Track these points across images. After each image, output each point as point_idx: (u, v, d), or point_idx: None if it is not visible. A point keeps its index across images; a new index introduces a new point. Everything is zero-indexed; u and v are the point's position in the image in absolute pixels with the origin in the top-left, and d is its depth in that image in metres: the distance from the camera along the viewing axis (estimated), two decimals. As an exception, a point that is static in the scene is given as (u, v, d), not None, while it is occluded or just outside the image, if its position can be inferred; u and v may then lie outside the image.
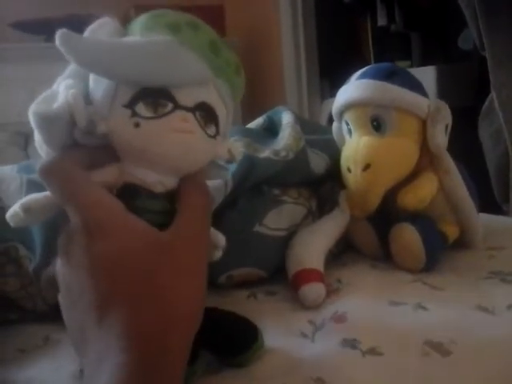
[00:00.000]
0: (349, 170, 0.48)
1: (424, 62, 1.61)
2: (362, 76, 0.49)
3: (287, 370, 0.33)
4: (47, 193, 0.29)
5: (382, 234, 0.50)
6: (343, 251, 0.53)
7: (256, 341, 0.34)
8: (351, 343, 0.35)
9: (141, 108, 0.27)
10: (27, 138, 1.66)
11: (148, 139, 0.28)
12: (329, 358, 0.34)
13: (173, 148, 0.28)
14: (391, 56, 1.67)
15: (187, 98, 0.28)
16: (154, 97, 0.28)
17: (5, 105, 1.70)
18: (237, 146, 0.32)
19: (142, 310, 0.26)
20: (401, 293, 0.42)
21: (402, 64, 1.55)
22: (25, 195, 0.49)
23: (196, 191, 0.30)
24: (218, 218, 0.47)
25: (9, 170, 0.54)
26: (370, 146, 0.47)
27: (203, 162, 0.31)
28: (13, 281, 0.44)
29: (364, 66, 0.51)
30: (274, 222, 0.49)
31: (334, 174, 0.53)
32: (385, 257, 0.51)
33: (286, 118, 0.57)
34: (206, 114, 0.29)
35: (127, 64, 0.28)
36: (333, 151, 0.54)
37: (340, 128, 0.52)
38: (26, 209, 0.29)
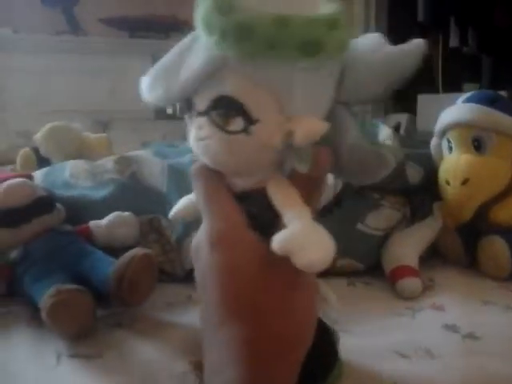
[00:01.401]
0: (447, 183, 0.54)
1: (493, 86, 1.63)
2: (468, 100, 0.55)
3: (400, 340, 0.39)
4: (192, 197, 0.33)
5: (468, 244, 0.56)
6: (430, 256, 0.59)
7: (333, 369, 0.33)
8: (452, 328, 0.41)
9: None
10: (105, 125, 1.79)
11: None
12: (433, 336, 0.40)
13: (203, 156, 0.28)
14: (460, 77, 1.69)
15: (202, 100, 0.27)
16: (188, 107, 0.28)
17: (87, 94, 1.83)
18: (310, 124, 0.26)
19: (253, 327, 0.25)
20: (490, 295, 0.48)
21: (470, 86, 1.57)
22: (167, 178, 0.59)
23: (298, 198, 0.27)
24: (325, 214, 0.54)
25: (145, 154, 0.63)
26: (470, 163, 0.53)
27: (248, 159, 0.27)
28: (155, 247, 0.52)
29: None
30: (374, 222, 0.55)
31: (427, 186, 0.59)
32: (468, 264, 0.56)
33: (385, 132, 0.64)
34: (225, 109, 0.26)
35: None
36: (427, 164, 0.60)
37: (440, 144, 0.58)
38: (178, 217, 0.35)
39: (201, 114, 0.27)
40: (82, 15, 1.85)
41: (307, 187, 0.27)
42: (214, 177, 0.29)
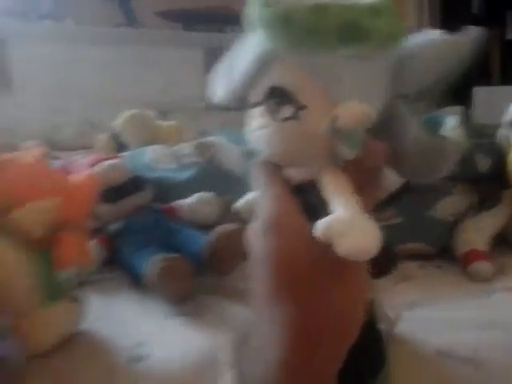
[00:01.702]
0: (517, 172, 0.56)
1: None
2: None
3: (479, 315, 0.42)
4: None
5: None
6: (499, 244, 0.61)
7: (380, 372, 0.32)
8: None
9: None
10: (163, 116, 1.86)
11: None
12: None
13: (259, 146, 0.29)
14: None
15: (257, 92, 0.28)
16: (247, 101, 0.29)
17: (144, 85, 1.90)
18: (352, 108, 0.26)
19: (303, 311, 0.26)
20: None
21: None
22: (243, 163, 0.63)
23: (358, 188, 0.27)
24: (396, 200, 0.56)
25: (222, 140, 0.67)
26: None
27: (299, 146, 0.27)
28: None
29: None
30: (444, 208, 0.57)
31: (496, 175, 0.60)
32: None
33: (451, 121, 0.66)
34: (277, 97, 0.27)
35: None
36: (495, 154, 0.62)
37: (508, 136, 0.60)
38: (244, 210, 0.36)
39: (256, 104, 0.28)
40: (139, 8, 1.91)
41: (359, 177, 0.27)
42: (272, 168, 0.29)
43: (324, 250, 0.25)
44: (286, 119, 0.27)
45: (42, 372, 0.34)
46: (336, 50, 0.25)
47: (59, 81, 1.75)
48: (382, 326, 0.34)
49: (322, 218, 0.26)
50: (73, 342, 0.38)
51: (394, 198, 0.57)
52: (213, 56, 1.94)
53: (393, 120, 0.28)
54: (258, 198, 0.29)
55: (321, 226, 0.24)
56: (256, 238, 0.28)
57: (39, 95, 1.66)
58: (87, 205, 0.38)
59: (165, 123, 0.81)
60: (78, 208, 0.36)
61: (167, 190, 0.62)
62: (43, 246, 0.34)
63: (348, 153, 0.26)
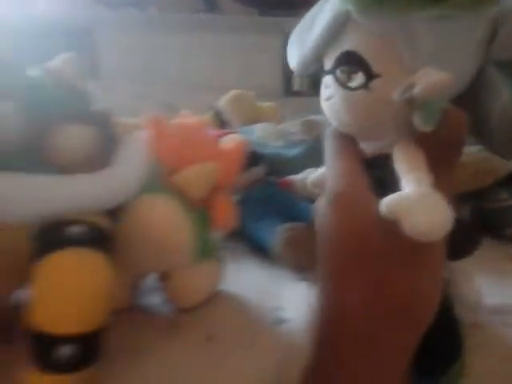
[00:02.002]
0: None
1: None
2: None
3: None
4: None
5: None
6: None
7: (454, 365, 0.29)
8: None
9: None
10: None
11: None
12: None
13: (330, 116, 0.28)
14: None
15: (329, 59, 0.27)
16: (320, 70, 0.28)
17: (221, 70, 1.93)
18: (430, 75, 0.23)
19: (368, 289, 0.24)
20: None
21: None
22: None
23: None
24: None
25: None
26: None
27: (369, 116, 0.26)
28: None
29: None
30: None
31: None
32: None
33: None
34: (347, 65, 0.26)
35: None
36: None
37: None
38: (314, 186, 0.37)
39: (327, 72, 0.27)
40: (219, -6, 1.94)
41: (437, 152, 0.25)
42: (344, 140, 0.28)
43: (393, 228, 0.23)
44: (357, 88, 0.25)
45: (193, 324, 0.37)
46: (418, 11, 0.23)
47: (143, 67, 1.82)
48: (462, 311, 0.31)
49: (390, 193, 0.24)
50: (218, 299, 0.40)
51: (509, 180, 0.55)
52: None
53: (481, 88, 0.26)
54: (326, 171, 0.28)
55: (387, 202, 0.23)
56: (322, 212, 0.27)
57: (125, 81, 1.73)
58: (237, 170, 0.40)
59: (264, 104, 0.82)
60: (230, 173, 0.38)
61: (277, 166, 0.63)
62: (200, 207, 0.36)
63: (424, 124, 0.23)
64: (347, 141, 0.28)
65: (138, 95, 1.71)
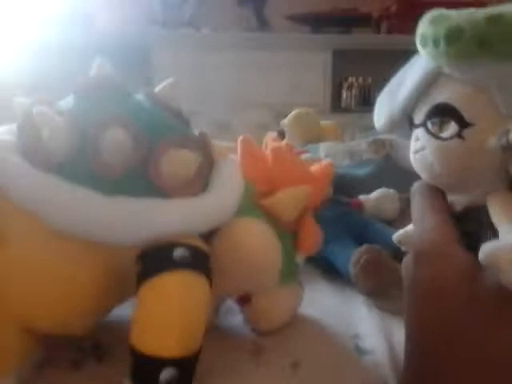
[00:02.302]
0: None
1: None
2: None
3: None
4: None
5: None
6: None
7: None
8: None
9: None
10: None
11: None
12: None
13: (420, 169, 0.28)
14: None
15: (419, 113, 0.27)
16: (409, 124, 0.28)
17: (272, 87, 1.95)
18: None
19: (453, 351, 0.24)
20: None
21: None
22: None
23: None
24: None
25: (396, 138, 0.67)
26: None
27: (463, 166, 0.25)
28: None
29: None
30: None
31: None
32: None
33: None
34: (439, 117, 0.26)
35: None
36: None
37: None
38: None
39: (417, 126, 0.27)
40: (271, 12, 1.97)
41: None
42: (433, 194, 0.28)
43: (486, 285, 0.23)
44: (450, 137, 0.25)
45: (277, 349, 0.37)
46: (509, 60, 0.23)
47: (195, 84, 1.87)
48: None
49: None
50: (298, 323, 0.40)
51: None
52: (341, 57, 1.94)
53: None
54: (414, 228, 0.28)
55: (488, 248, 0.22)
56: (408, 267, 0.27)
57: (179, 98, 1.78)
58: (325, 193, 0.40)
59: (326, 122, 0.82)
60: (318, 196, 0.38)
61: (345, 186, 0.63)
62: (291, 229, 0.36)
63: None
64: (436, 195, 0.28)
65: (190, 113, 1.76)
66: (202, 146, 0.33)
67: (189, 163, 0.30)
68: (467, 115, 0.24)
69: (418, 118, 0.27)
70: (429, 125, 0.26)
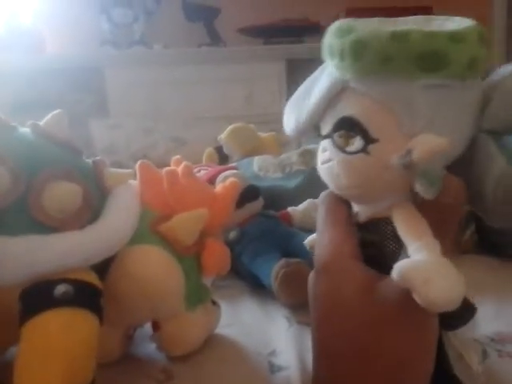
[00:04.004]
0: None
1: None
2: None
3: None
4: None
5: None
6: None
7: None
8: None
9: None
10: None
11: None
12: None
13: (327, 180, 0.28)
14: None
15: (326, 124, 0.27)
16: (316, 134, 0.29)
17: (225, 101, 1.96)
18: (428, 142, 0.23)
19: (352, 362, 0.25)
20: None
21: None
22: None
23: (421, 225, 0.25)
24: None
25: None
26: None
27: (368, 180, 0.26)
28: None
29: None
30: None
31: None
32: None
33: None
34: (346, 129, 0.26)
35: None
36: None
37: None
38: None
39: (325, 137, 0.27)
40: (222, 27, 1.98)
41: (438, 217, 0.25)
42: (337, 205, 0.28)
43: (382, 297, 0.24)
44: (355, 152, 0.25)
45: (187, 372, 0.36)
46: (414, 79, 0.23)
47: (150, 102, 1.86)
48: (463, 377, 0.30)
49: (385, 258, 0.25)
50: (213, 346, 0.40)
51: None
52: (294, 66, 1.96)
53: (475, 156, 0.26)
54: (316, 238, 0.29)
55: (402, 268, 0.22)
56: (311, 281, 0.28)
57: (133, 117, 1.77)
58: (228, 214, 0.40)
59: (264, 135, 0.83)
60: (220, 217, 0.38)
61: (276, 198, 0.63)
62: (190, 252, 0.36)
63: (426, 192, 0.23)
64: (339, 207, 0.28)
65: (146, 130, 1.74)
66: (92, 176, 0.33)
67: (71, 195, 0.29)
68: (372, 130, 0.25)
69: (325, 129, 0.27)
70: (335, 137, 0.26)
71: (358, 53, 0.24)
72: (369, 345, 0.25)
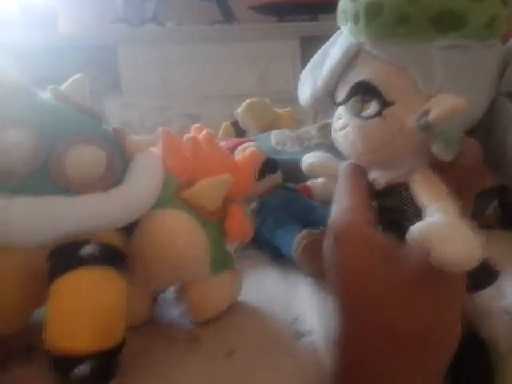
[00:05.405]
0: None
1: None
2: None
3: None
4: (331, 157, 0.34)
5: None
6: None
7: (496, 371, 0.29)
8: None
9: None
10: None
11: None
12: None
13: (342, 147, 0.28)
14: None
15: (341, 91, 0.27)
16: (331, 102, 0.29)
17: (239, 79, 1.94)
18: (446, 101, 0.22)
19: (373, 324, 0.25)
20: None
21: None
22: None
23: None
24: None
25: None
26: None
27: (384, 145, 0.25)
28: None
29: None
30: None
31: None
32: None
33: None
34: (360, 94, 0.26)
35: None
36: None
37: None
38: (311, 169, 0.37)
39: (340, 103, 0.27)
40: (235, 4, 1.95)
41: (457, 180, 0.25)
42: (356, 174, 0.29)
43: (406, 263, 0.24)
44: (371, 116, 0.25)
45: (212, 337, 0.37)
46: (430, 40, 0.23)
47: (162, 79, 1.85)
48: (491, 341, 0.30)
49: (403, 223, 0.25)
50: (236, 311, 0.40)
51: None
52: (309, 44, 1.93)
53: (494, 121, 0.25)
54: (333, 206, 0.29)
55: (418, 229, 0.22)
56: (327, 249, 0.28)
57: (146, 95, 1.77)
58: (250, 182, 0.40)
59: (280, 110, 0.82)
60: (243, 184, 0.38)
61: (295, 172, 0.63)
62: (214, 218, 0.36)
63: (444, 154, 0.23)
64: (358, 176, 0.28)
65: (159, 107, 1.74)
66: (115, 141, 0.32)
67: (95, 159, 0.29)
68: (387, 94, 0.24)
69: (340, 95, 0.27)
70: (350, 103, 0.26)
71: (373, 14, 0.24)
72: (395, 310, 0.25)
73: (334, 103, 0.29)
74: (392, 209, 0.27)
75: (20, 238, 0.28)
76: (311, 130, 0.67)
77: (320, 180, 0.60)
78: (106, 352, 0.28)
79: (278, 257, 0.51)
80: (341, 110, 0.27)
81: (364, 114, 0.25)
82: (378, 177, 0.28)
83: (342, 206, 0.28)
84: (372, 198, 0.28)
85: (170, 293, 0.40)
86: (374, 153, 0.26)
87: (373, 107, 0.25)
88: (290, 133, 0.68)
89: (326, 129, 0.66)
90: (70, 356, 0.27)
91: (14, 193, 0.28)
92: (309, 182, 0.60)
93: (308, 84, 0.30)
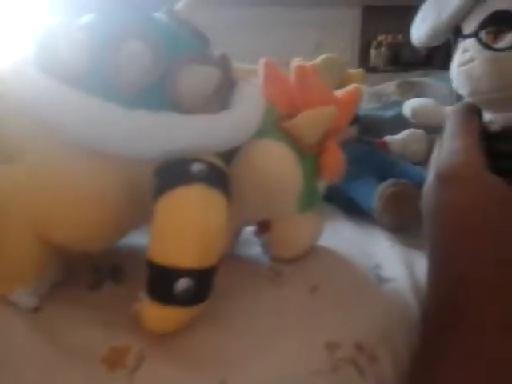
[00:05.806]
0: None
1: None
2: None
3: None
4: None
5: None
6: None
7: None
8: None
9: None
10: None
11: None
12: None
13: (465, 83, 0.26)
14: None
15: (470, 23, 0.25)
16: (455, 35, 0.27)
17: (295, 47, 1.90)
18: None
19: (481, 265, 0.23)
20: None
21: None
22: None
23: None
24: None
25: (428, 80, 0.65)
26: None
27: None
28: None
29: None
30: None
31: None
32: None
33: None
34: (495, 26, 0.24)
35: None
36: None
37: None
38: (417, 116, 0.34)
39: (467, 36, 0.25)
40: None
41: None
42: (468, 116, 0.27)
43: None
44: (505, 50, 0.23)
45: (296, 274, 0.36)
46: None
47: (218, 43, 1.84)
48: None
49: None
50: (318, 253, 0.39)
51: None
52: (370, 13, 1.87)
53: None
54: (444, 145, 0.27)
55: None
56: (430, 190, 0.26)
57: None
58: (350, 116, 0.39)
59: (352, 70, 0.80)
60: (343, 118, 0.37)
61: (372, 127, 0.61)
62: (313, 152, 0.35)
63: None
64: (470, 117, 0.27)
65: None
66: (222, 66, 0.32)
67: (209, 79, 0.29)
68: None
69: (470, 27, 0.26)
70: (482, 35, 0.25)
71: None
72: (496, 252, 0.23)
73: (458, 37, 0.27)
74: (503, 154, 0.26)
75: (129, 150, 0.28)
76: (389, 86, 0.65)
77: (399, 136, 0.58)
78: (206, 270, 0.28)
79: (352, 210, 0.50)
80: (468, 42, 0.26)
81: (498, 45, 0.24)
82: (494, 119, 0.26)
83: (454, 145, 0.27)
84: (482, 141, 0.26)
85: (250, 234, 0.40)
86: (499, 90, 0.25)
87: (509, 38, 0.24)
88: (367, 88, 0.66)
89: (404, 86, 0.64)
90: (172, 270, 0.26)
91: (128, 105, 0.28)
92: (386, 138, 0.59)
93: (428, 19, 0.28)
